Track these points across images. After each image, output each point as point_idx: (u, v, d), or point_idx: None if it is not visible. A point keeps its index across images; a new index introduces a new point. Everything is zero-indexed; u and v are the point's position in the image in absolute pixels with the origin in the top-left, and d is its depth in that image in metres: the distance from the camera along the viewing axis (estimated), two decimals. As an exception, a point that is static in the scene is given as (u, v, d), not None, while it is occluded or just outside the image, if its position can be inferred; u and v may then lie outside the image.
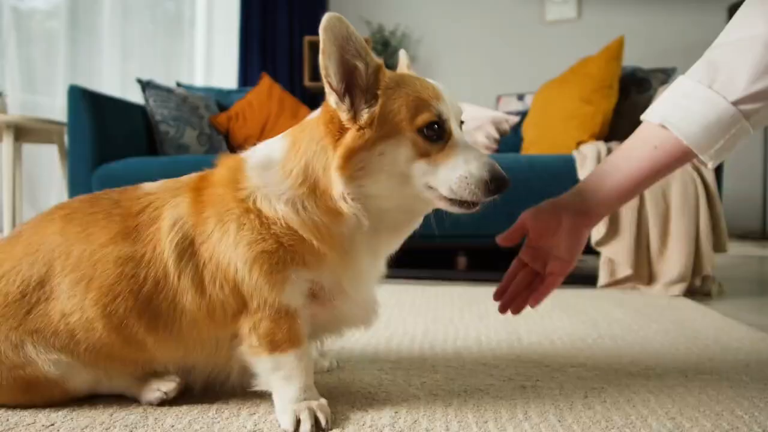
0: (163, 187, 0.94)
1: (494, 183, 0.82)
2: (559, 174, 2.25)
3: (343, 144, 0.82)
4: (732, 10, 4.41)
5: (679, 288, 2.03)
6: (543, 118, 2.79)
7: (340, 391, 1.01)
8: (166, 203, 0.90)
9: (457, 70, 5.68)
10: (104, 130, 2.67)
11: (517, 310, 1.02)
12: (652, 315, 1.71)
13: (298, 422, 0.83)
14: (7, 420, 0.86)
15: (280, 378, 0.87)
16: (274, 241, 0.83)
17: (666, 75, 2.62)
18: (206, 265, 0.84)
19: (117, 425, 0.85)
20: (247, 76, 5.40)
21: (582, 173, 2.20)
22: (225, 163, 0.92)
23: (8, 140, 2.91)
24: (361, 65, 0.81)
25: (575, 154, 2.31)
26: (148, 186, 0.96)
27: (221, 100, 3.49)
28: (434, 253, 3.16)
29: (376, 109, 0.82)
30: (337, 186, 0.83)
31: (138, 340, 0.87)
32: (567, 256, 0.98)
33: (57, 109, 3.86)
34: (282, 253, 0.83)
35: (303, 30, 5.47)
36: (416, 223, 0.94)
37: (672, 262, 2.06)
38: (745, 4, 0.90)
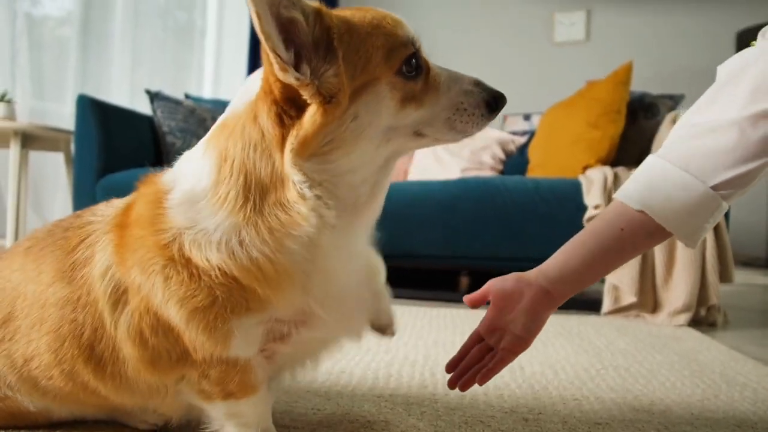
0: (107, 213, 0.84)
1: (494, 101, 0.74)
2: (565, 198, 2.24)
3: (309, 120, 0.66)
4: (740, 37, 4.42)
5: (684, 318, 2.01)
6: (550, 140, 2.79)
7: (338, 418, 0.99)
8: (98, 241, 0.80)
9: (465, 89, 5.69)
10: (111, 140, 2.68)
11: (465, 387, 0.94)
12: (656, 345, 1.68)
13: None
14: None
15: (236, 425, 0.79)
16: (206, 295, 0.69)
17: (674, 101, 2.62)
18: (143, 316, 0.73)
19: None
20: (255, 89, 5.42)
21: (588, 198, 2.19)
22: (144, 194, 0.78)
23: (15, 147, 2.92)
24: (299, 16, 0.64)
25: (581, 178, 2.30)
26: (100, 209, 0.87)
27: (229, 112, 3.50)
28: (437, 274, 3.15)
29: (340, 63, 0.65)
30: (293, 177, 0.67)
31: (92, 387, 0.81)
32: (523, 334, 0.91)
33: (66, 116, 3.88)
34: (219, 306, 0.69)
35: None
36: (390, 174, 0.78)
37: (677, 291, 2.03)
38: (714, 85, 0.88)
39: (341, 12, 0.71)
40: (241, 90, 0.75)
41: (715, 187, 0.82)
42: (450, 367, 0.97)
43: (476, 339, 0.98)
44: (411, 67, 0.70)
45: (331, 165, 0.68)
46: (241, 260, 0.68)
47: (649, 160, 0.89)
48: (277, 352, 0.79)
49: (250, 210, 0.68)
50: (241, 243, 0.68)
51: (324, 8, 0.67)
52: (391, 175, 0.79)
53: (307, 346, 0.82)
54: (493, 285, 0.96)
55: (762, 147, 0.79)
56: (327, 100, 0.65)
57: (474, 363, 0.95)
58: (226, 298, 0.69)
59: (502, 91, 0.75)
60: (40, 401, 0.86)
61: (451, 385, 0.95)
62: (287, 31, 0.64)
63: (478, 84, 0.75)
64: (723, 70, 0.89)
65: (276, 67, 0.64)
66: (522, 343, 0.92)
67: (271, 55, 0.63)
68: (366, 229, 0.79)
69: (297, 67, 0.64)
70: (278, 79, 0.65)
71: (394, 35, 0.69)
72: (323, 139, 0.67)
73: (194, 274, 0.69)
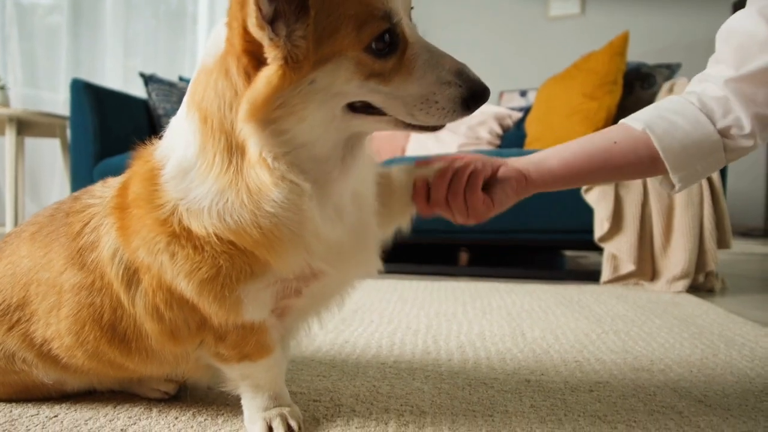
0: (105, 194, 0.84)
1: (472, 98, 0.65)
2: (563, 169, 2.24)
3: (264, 81, 0.62)
4: (737, 7, 4.38)
5: (683, 284, 2.03)
6: (546, 113, 2.78)
7: (344, 383, 1.01)
8: (101, 224, 0.80)
9: (460, 66, 5.66)
10: (106, 124, 2.67)
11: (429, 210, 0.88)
12: (655, 311, 1.70)
13: (270, 430, 0.79)
14: (11, 411, 0.86)
15: (250, 386, 0.82)
16: (211, 265, 0.69)
17: (670, 71, 2.61)
18: (156, 292, 0.74)
19: (121, 417, 0.85)
20: (250, 71, 5.38)
21: (586, 169, 2.20)
22: (138, 172, 0.76)
23: (11, 134, 2.91)
24: None
25: (579, 149, 2.30)
26: (97, 190, 0.87)
27: (224, 94, 3.48)
28: (436, 248, 3.16)
29: (310, 25, 0.61)
30: (251, 146, 0.65)
31: (118, 363, 0.83)
32: (493, 201, 0.88)
33: (59, 103, 3.86)
34: (224, 276, 0.70)
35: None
36: (364, 147, 0.75)
37: (675, 258, 2.05)
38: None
39: None
40: (211, 39, 0.70)
41: (722, 131, 0.83)
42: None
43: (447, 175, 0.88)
44: (383, 43, 0.63)
45: (287, 136, 0.65)
46: (229, 224, 0.67)
47: (669, 97, 0.90)
48: (291, 306, 0.80)
49: (233, 172, 0.67)
50: (226, 207, 0.67)
51: None
52: (364, 153, 0.76)
53: (321, 295, 0.82)
54: (454, 158, 0.90)
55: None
56: (289, 62, 0.61)
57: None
58: (230, 266, 0.69)
59: (484, 84, 0.67)
60: (58, 375, 0.87)
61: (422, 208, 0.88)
62: None
63: (460, 74, 0.66)
64: (717, 36, 0.90)
65: (253, 21, 0.60)
66: (490, 207, 0.88)
67: (253, 8, 0.59)
68: (347, 197, 0.76)
69: (272, 25, 0.60)
70: (244, 32, 0.61)
71: (369, 5, 0.62)
72: (275, 102, 0.63)
73: (198, 246, 0.69)
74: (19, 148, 3.11)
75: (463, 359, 1.17)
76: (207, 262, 0.69)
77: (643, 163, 0.86)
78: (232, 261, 0.69)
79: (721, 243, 2.10)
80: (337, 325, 1.46)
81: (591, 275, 2.30)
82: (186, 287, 0.71)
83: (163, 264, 0.71)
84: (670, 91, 2.39)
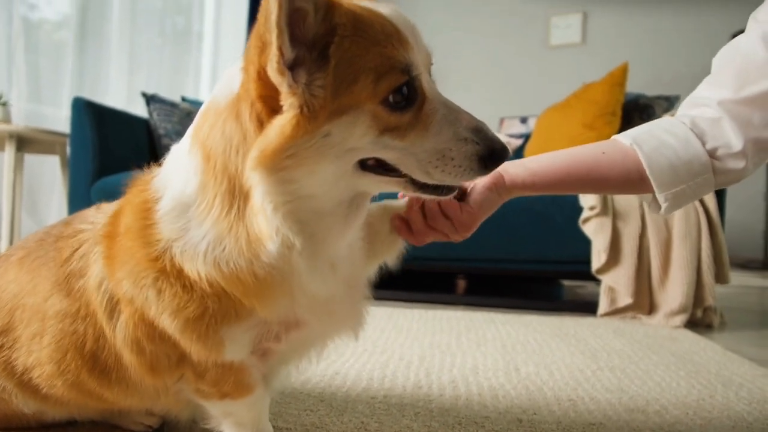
0: (97, 221, 0.83)
1: (491, 158, 0.63)
2: (561, 199, 2.24)
3: (278, 130, 0.60)
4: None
5: (681, 319, 2.01)
6: (546, 142, 2.79)
7: (332, 419, 0.99)
8: (91, 252, 0.79)
9: (462, 92, 5.71)
10: (106, 143, 2.67)
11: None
12: (652, 346, 1.68)
13: None
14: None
15: (232, 423, 0.80)
16: (198, 305, 0.68)
17: (669, 102, 2.62)
18: (138, 325, 0.73)
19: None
20: (252, 92, 5.42)
21: (583, 199, 2.19)
22: (132, 202, 0.75)
23: (10, 150, 2.91)
24: (309, 7, 0.58)
25: (577, 179, 2.30)
26: (90, 216, 0.86)
27: (225, 115, 3.49)
28: (434, 276, 3.14)
29: (329, 75, 0.59)
30: (255, 194, 0.63)
31: (98, 394, 0.82)
32: (462, 214, 0.82)
33: (62, 119, 3.87)
34: (210, 316, 0.69)
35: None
36: (365, 208, 0.74)
37: (673, 292, 2.03)
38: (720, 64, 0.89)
39: (357, 4, 0.63)
40: (224, 79, 0.69)
41: (711, 152, 0.82)
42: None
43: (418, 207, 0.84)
44: (401, 96, 0.61)
45: (294, 186, 0.63)
46: (224, 271, 0.66)
47: (665, 117, 0.89)
48: (271, 350, 0.78)
49: (234, 217, 0.66)
50: (222, 255, 0.66)
51: (336, 3, 0.60)
52: (363, 215, 0.74)
53: (301, 344, 0.80)
54: None
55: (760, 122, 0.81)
56: (304, 112, 0.59)
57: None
58: (217, 307, 0.69)
59: (503, 143, 0.65)
60: (38, 405, 0.86)
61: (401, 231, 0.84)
62: (293, 23, 0.57)
63: (478, 131, 0.64)
64: (714, 60, 0.91)
65: (274, 65, 0.58)
66: (462, 223, 0.83)
67: (275, 52, 0.57)
68: (342, 253, 0.74)
69: (295, 65, 0.59)
70: (260, 78, 0.60)
71: (390, 58, 0.60)
72: (287, 152, 0.60)
73: (186, 286, 0.68)
74: (18, 164, 3.11)
75: (455, 395, 1.15)
76: (195, 302, 0.68)
77: (630, 177, 0.85)
78: (220, 303, 0.69)
79: (719, 277, 2.09)
80: (328, 354, 1.43)
81: (588, 306, 2.28)
82: (170, 324, 0.70)
83: (149, 299, 0.70)
84: (669, 123, 2.40)
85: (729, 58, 0.87)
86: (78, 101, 2.65)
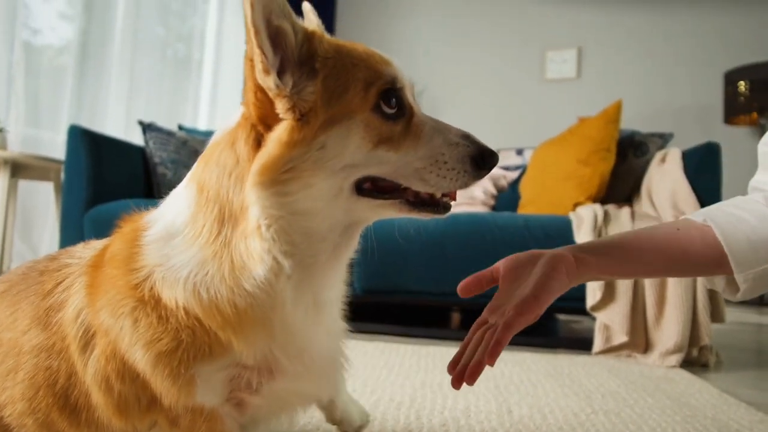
0: (84, 255, 0.83)
1: (482, 157, 0.67)
2: (556, 235, 2.23)
3: (275, 141, 0.62)
4: (728, 77, 4.50)
5: (676, 358, 1.98)
6: (541, 177, 2.80)
7: (318, 467, 0.96)
8: (74, 284, 0.78)
9: (458, 122, 5.72)
10: (101, 171, 2.67)
11: (471, 378, 0.73)
12: (647, 388, 1.65)
13: None
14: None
15: None
16: (171, 338, 0.67)
17: (663, 140, 2.64)
18: (109, 360, 0.71)
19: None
20: (250, 121, 5.46)
21: (578, 236, 2.18)
22: (122, 232, 0.77)
23: (4, 176, 2.91)
24: (287, 27, 0.63)
25: (572, 215, 2.30)
26: (77, 251, 0.86)
27: (222, 144, 3.50)
28: (427, 310, 3.11)
29: (318, 85, 0.64)
30: (251, 212, 0.64)
31: None
32: (533, 291, 0.74)
33: (60, 144, 3.87)
34: (183, 351, 0.67)
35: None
36: (355, 241, 0.74)
37: (668, 330, 2.01)
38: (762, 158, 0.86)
39: (334, 39, 0.70)
40: (224, 122, 0.74)
41: None
42: (451, 366, 0.78)
43: (480, 324, 0.80)
44: (390, 105, 0.66)
45: (289, 198, 0.64)
46: (203, 300, 0.66)
47: (733, 198, 0.84)
48: (247, 402, 0.75)
49: (220, 244, 0.66)
50: (204, 280, 0.66)
51: (318, 32, 0.67)
52: (352, 249, 0.75)
53: (278, 399, 0.77)
54: (504, 260, 0.82)
55: None
56: (300, 117, 0.63)
57: (476, 349, 0.76)
58: (190, 342, 0.67)
59: (493, 149, 0.69)
60: None
61: (455, 383, 0.75)
62: (275, 41, 0.63)
63: (466, 137, 0.69)
64: (761, 146, 0.87)
65: (259, 67, 0.62)
66: (531, 302, 0.73)
67: (257, 53, 0.61)
68: (330, 288, 0.74)
69: (280, 76, 0.63)
70: (255, 90, 0.64)
71: (376, 70, 0.66)
72: (285, 165, 0.63)
73: (162, 317, 0.67)
74: (12, 190, 3.10)
75: (446, 441, 1.12)
76: (169, 334, 0.67)
77: (712, 255, 0.76)
78: (194, 337, 0.67)
79: (715, 317, 2.07)
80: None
81: (583, 343, 2.26)
82: (141, 358, 0.68)
83: (124, 329, 0.69)
84: (663, 160, 2.41)
85: None
86: (74, 129, 2.66)
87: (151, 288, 0.68)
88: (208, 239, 0.66)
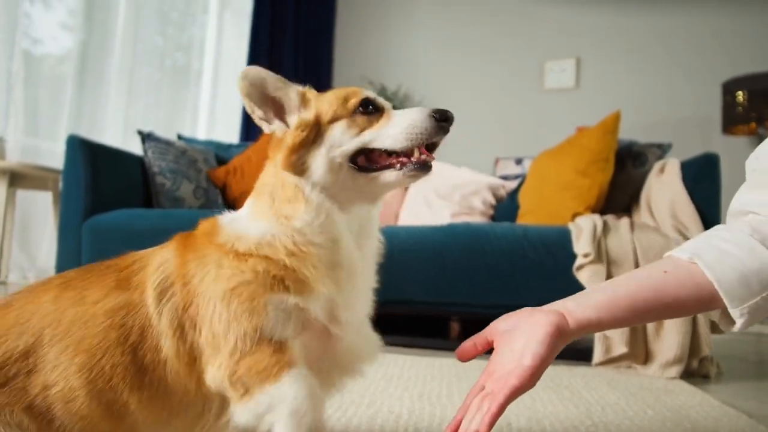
0: (147, 253, 0.93)
1: (437, 113, 0.86)
2: (554, 246, 2.23)
3: (285, 145, 0.89)
4: (726, 87, 4.52)
5: (676, 370, 1.97)
6: (539, 187, 2.80)
7: (314, 482, 0.94)
8: (155, 253, 0.90)
9: (458, 132, 5.74)
10: (99, 181, 2.67)
11: None
12: (647, 399, 1.64)
13: None
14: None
15: (284, 418, 0.75)
16: (251, 271, 0.81)
17: (662, 150, 2.64)
18: (186, 309, 0.81)
19: None
20: (249, 131, 5.46)
21: (577, 246, 2.18)
22: (203, 223, 0.94)
23: (2, 185, 2.91)
24: (282, 94, 0.93)
25: (571, 226, 2.30)
26: (143, 251, 0.94)
27: (221, 153, 3.50)
28: (427, 320, 3.10)
29: (311, 112, 0.90)
30: (288, 180, 0.88)
31: (120, 406, 0.81)
32: (527, 361, 0.77)
33: (59, 154, 3.87)
34: (260, 280, 0.81)
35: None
36: (380, 201, 0.94)
37: (668, 342, 2.00)
38: (749, 175, 0.85)
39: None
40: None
41: None
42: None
43: (477, 391, 0.84)
44: (367, 108, 0.89)
45: (310, 179, 0.88)
46: (277, 243, 0.83)
47: (716, 227, 0.83)
48: (309, 350, 0.83)
49: (272, 213, 0.87)
50: (270, 232, 0.85)
51: (311, 90, 0.95)
52: (373, 217, 0.95)
53: (333, 354, 0.88)
54: (494, 323, 0.86)
55: None
56: (297, 128, 0.90)
57: (474, 416, 0.79)
58: (264, 275, 0.81)
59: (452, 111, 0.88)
60: None
61: None
62: (275, 102, 0.93)
63: (424, 107, 0.89)
64: (749, 163, 0.86)
65: (262, 125, 0.93)
66: (526, 371, 0.77)
67: (256, 119, 0.93)
68: (365, 237, 0.93)
69: (275, 119, 0.94)
70: (274, 138, 0.94)
71: (353, 91, 0.91)
72: (299, 160, 0.88)
73: (241, 258, 0.83)
74: (10, 199, 3.10)
75: (444, 454, 1.11)
76: (249, 269, 0.81)
77: (702, 295, 0.76)
78: (270, 270, 0.82)
79: (715, 327, 2.06)
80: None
81: (583, 354, 2.24)
82: (218, 294, 0.80)
83: (209, 272, 0.82)
84: (662, 170, 2.42)
85: (765, 160, 0.82)
86: (72, 139, 2.66)
87: (232, 245, 0.84)
88: (267, 211, 0.87)
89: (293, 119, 0.92)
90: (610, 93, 5.28)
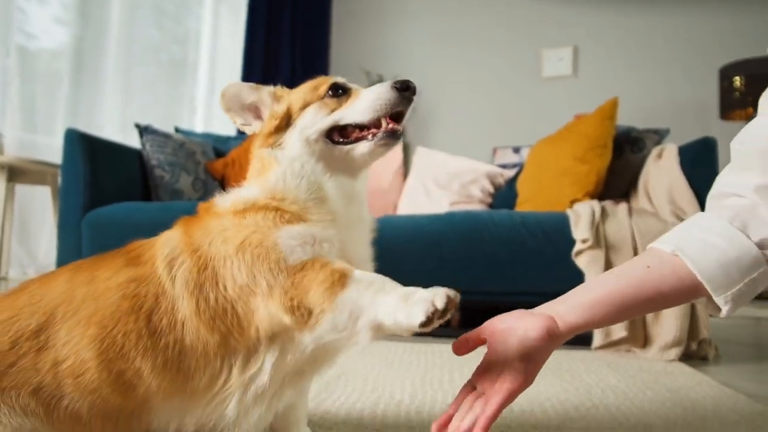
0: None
1: (398, 83, 0.91)
2: (553, 232, 2.24)
3: (261, 133, 0.99)
4: (723, 72, 4.52)
5: (675, 352, 1.99)
6: (538, 174, 2.80)
7: (319, 463, 0.96)
8: (162, 235, 0.94)
9: (455, 122, 5.77)
10: (98, 175, 2.67)
11: None
12: (647, 381, 1.66)
13: (432, 305, 0.71)
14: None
15: (369, 299, 0.75)
16: (252, 224, 0.85)
17: (659, 136, 2.65)
18: (202, 271, 0.84)
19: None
20: (247, 123, 5.45)
21: (576, 232, 2.19)
22: (201, 204, 0.99)
23: (1, 181, 2.90)
24: (257, 96, 1.02)
25: (569, 212, 2.31)
26: (149, 238, 0.98)
27: (219, 146, 3.50)
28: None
29: (284, 104, 0.99)
30: (265, 153, 0.96)
31: (132, 375, 0.82)
32: (520, 367, 0.79)
33: (56, 149, 3.86)
34: (262, 226, 0.85)
35: (304, 80, 5.57)
36: (362, 194, 0.99)
37: (667, 325, 2.02)
38: (733, 156, 0.86)
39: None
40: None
41: (760, 244, 0.76)
42: (438, 428, 0.84)
43: (468, 390, 0.87)
44: (336, 92, 0.97)
45: (285, 151, 0.96)
46: (266, 200, 0.89)
47: (695, 215, 0.84)
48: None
49: (259, 181, 0.94)
50: (260, 192, 0.91)
51: (278, 89, 1.04)
52: (355, 182, 0.98)
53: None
54: (488, 322, 0.88)
55: None
56: (273, 117, 1.00)
57: (465, 415, 0.82)
58: (267, 220, 0.86)
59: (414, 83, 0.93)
60: (33, 424, 0.82)
61: None
62: (254, 107, 1.03)
63: (387, 82, 0.93)
64: (733, 144, 0.87)
65: (243, 129, 1.03)
66: (520, 375, 0.80)
67: (238, 126, 1.04)
68: (356, 192, 0.97)
69: (255, 119, 1.03)
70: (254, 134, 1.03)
71: (323, 80, 1.00)
72: (276, 141, 0.97)
73: (241, 216, 0.87)
74: (9, 194, 3.10)
75: (447, 436, 1.12)
76: (248, 221, 0.86)
77: (684, 286, 0.79)
78: (266, 216, 0.86)
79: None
80: (319, 392, 1.41)
81: (583, 339, 2.26)
82: (231, 252, 0.83)
83: (215, 239, 0.85)
84: (659, 156, 2.42)
85: (752, 141, 0.82)
86: (70, 133, 2.65)
87: (230, 209, 0.90)
88: (253, 182, 0.95)
89: (266, 113, 1.01)
90: (607, 81, 5.28)
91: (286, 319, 0.79)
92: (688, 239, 0.80)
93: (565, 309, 0.83)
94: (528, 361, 0.80)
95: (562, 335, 0.83)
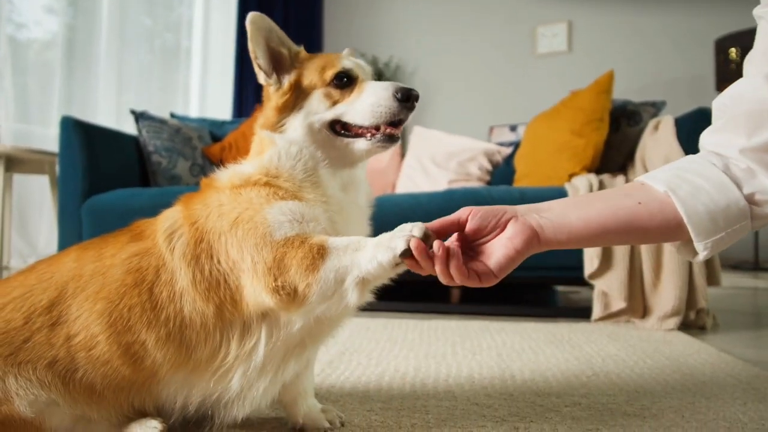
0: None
1: (400, 93, 0.92)
2: (552, 206, 2.25)
3: (269, 105, 1.00)
4: (718, 44, 4.50)
5: (674, 322, 2.02)
6: (535, 150, 2.81)
7: None
8: (163, 212, 0.98)
9: (451, 102, 5.75)
10: (96, 162, 2.66)
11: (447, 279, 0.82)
12: (647, 350, 1.68)
13: (409, 233, 0.77)
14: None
15: (350, 260, 0.79)
16: (246, 201, 0.89)
17: (656, 108, 2.65)
18: (198, 243, 0.87)
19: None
20: (242, 108, 5.43)
21: (574, 206, 2.20)
22: (204, 179, 1.02)
23: (-1, 171, 2.90)
24: (284, 51, 1.00)
25: (567, 186, 2.32)
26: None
27: (215, 130, 3.49)
28: (429, 285, 3.14)
29: (293, 76, 0.99)
30: (265, 135, 0.99)
31: (138, 347, 0.85)
32: (494, 268, 0.81)
33: (51, 139, 3.86)
34: (256, 203, 0.88)
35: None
36: (360, 179, 1.01)
37: (666, 295, 2.04)
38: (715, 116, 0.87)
39: (316, 54, 1.04)
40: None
41: (748, 197, 0.77)
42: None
43: (455, 226, 0.86)
44: (341, 81, 0.97)
45: (286, 135, 0.98)
46: (260, 176, 0.93)
47: (689, 156, 0.84)
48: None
49: (257, 160, 0.97)
50: (255, 170, 0.95)
51: (302, 51, 1.02)
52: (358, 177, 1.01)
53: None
54: (470, 210, 0.86)
55: None
56: (281, 91, 0.99)
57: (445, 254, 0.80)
58: (259, 197, 0.89)
59: (412, 88, 0.94)
60: (49, 396, 0.84)
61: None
62: (274, 56, 1.00)
63: (393, 84, 0.94)
64: (715, 104, 0.87)
65: (260, 75, 1.00)
66: (489, 277, 0.82)
67: (255, 65, 0.99)
68: (352, 183, 0.99)
69: (271, 74, 1.00)
70: (265, 87, 1.02)
71: (331, 62, 0.99)
72: (280, 122, 0.98)
73: (238, 192, 0.91)
74: (7, 184, 3.09)
75: (452, 406, 1.14)
76: (243, 198, 0.89)
77: (669, 226, 0.80)
78: (260, 192, 0.90)
79: (711, 280, 2.10)
80: (324, 368, 1.43)
81: (582, 312, 2.29)
82: (225, 227, 0.86)
83: (212, 212, 0.89)
84: (656, 128, 2.43)
85: (734, 103, 0.83)
86: (66, 120, 2.65)
87: (229, 182, 0.94)
88: (252, 160, 0.98)
89: (285, 80, 1.00)
90: (603, 56, 5.26)
91: (268, 300, 0.82)
92: (681, 182, 0.81)
93: (553, 230, 0.83)
94: (501, 263, 0.81)
95: (539, 249, 0.84)
